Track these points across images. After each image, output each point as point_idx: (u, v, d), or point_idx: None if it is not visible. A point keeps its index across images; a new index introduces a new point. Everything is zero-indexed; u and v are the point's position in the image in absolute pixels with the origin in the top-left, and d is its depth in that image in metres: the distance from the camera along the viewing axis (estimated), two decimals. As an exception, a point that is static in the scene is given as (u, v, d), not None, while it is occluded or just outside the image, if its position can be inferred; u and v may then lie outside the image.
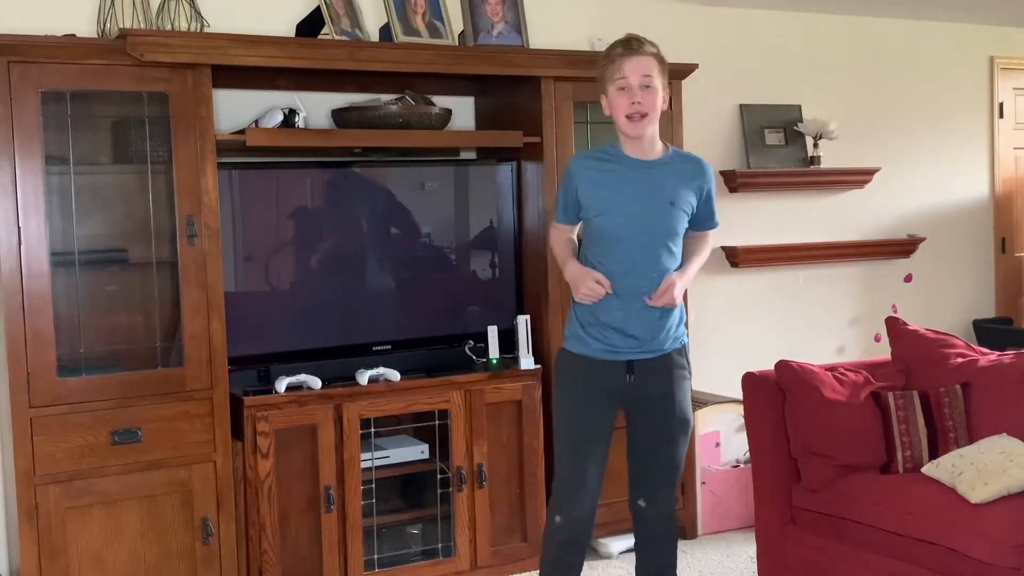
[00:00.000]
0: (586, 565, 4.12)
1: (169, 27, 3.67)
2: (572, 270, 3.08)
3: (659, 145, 3.07)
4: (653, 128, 3.01)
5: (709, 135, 4.98)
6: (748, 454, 3.82)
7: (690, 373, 3.17)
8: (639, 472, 3.16)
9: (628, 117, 2.96)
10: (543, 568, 3.23)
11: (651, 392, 3.07)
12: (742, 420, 3.89)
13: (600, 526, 4.20)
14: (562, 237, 3.18)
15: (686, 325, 3.20)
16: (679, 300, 3.04)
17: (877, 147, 5.51)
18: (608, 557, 4.20)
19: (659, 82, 2.98)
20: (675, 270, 3.04)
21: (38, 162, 3.32)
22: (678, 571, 3.28)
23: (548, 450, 4.12)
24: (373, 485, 3.77)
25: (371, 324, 3.97)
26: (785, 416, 3.54)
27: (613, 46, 3.03)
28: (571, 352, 3.10)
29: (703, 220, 3.13)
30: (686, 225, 3.07)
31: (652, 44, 3.01)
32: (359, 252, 4.07)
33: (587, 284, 2.98)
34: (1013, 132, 6.04)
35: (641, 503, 3.17)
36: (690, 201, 3.05)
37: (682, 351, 3.14)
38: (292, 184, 3.95)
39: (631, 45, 2.98)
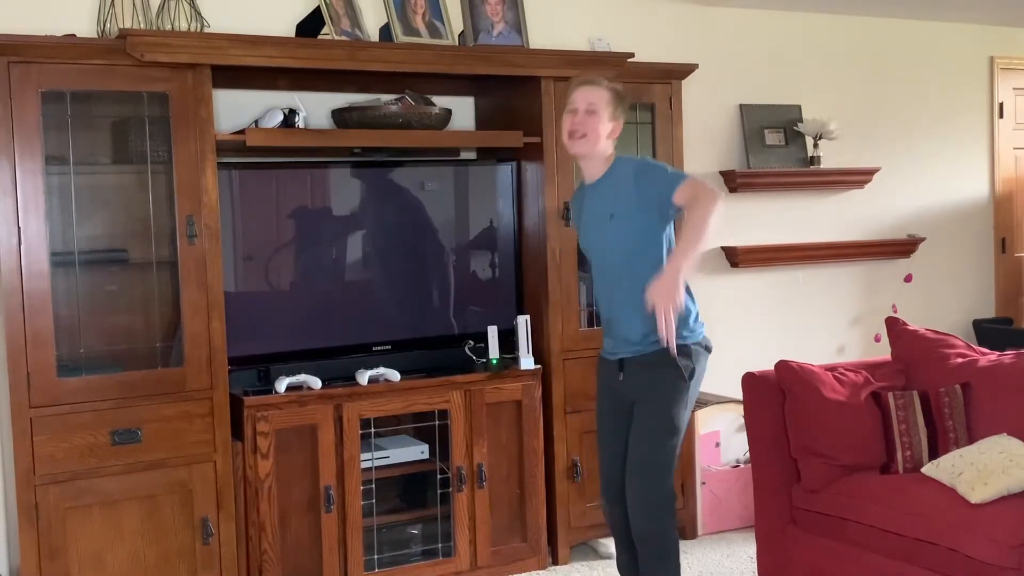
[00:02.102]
0: (586, 565, 4.14)
1: (169, 27, 3.68)
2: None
3: (607, 165, 3.19)
4: (594, 150, 3.14)
5: (709, 135, 4.98)
6: (748, 454, 3.82)
7: (688, 374, 3.12)
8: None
9: (568, 135, 3.14)
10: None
11: (633, 392, 3.17)
12: (742, 420, 3.89)
13: (600, 526, 4.22)
14: None
15: (695, 322, 3.19)
16: (674, 298, 2.88)
17: (877, 147, 5.51)
18: (608, 557, 4.19)
19: (606, 112, 3.12)
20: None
21: (38, 162, 3.32)
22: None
23: (548, 450, 4.12)
24: (373, 485, 3.77)
25: (371, 324, 3.97)
26: (785, 416, 3.54)
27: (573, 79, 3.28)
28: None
29: (666, 199, 3.04)
30: (651, 231, 3.11)
31: (613, 82, 3.20)
32: (359, 252, 4.07)
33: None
34: (1013, 132, 6.03)
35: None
36: (631, 205, 3.09)
37: (682, 350, 3.07)
38: (292, 184, 3.94)
39: (588, 79, 3.20)
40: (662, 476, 3.12)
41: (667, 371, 3.09)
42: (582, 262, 4.26)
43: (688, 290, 3.11)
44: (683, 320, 3.11)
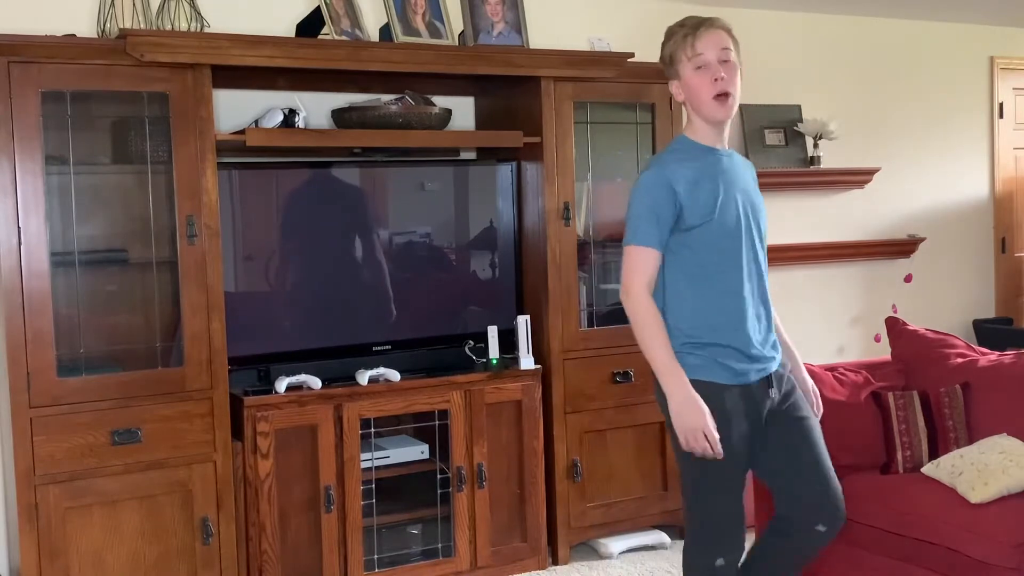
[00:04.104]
0: (586, 565, 4.14)
1: (169, 27, 3.67)
2: (685, 394, 2.56)
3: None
4: (735, 112, 2.72)
5: (709, 135, 4.98)
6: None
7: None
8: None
9: (715, 95, 2.64)
10: None
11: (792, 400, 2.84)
12: (742, 420, 3.89)
13: (600, 526, 4.22)
14: (653, 307, 2.61)
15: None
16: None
17: (877, 147, 5.51)
18: (608, 557, 4.20)
19: (737, 59, 2.70)
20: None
21: (38, 162, 3.32)
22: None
23: (548, 450, 4.12)
24: (373, 485, 3.77)
25: (371, 324, 3.98)
26: (785, 416, 3.53)
27: (678, 25, 2.71)
28: None
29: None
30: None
31: (721, 19, 2.75)
32: (359, 252, 4.07)
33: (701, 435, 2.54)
34: (1013, 132, 6.04)
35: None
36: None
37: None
38: (292, 184, 3.94)
39: (703, 18, 2.70)
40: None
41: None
42: (582, 262, 4.27)
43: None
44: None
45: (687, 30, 2.65)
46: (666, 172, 2.62)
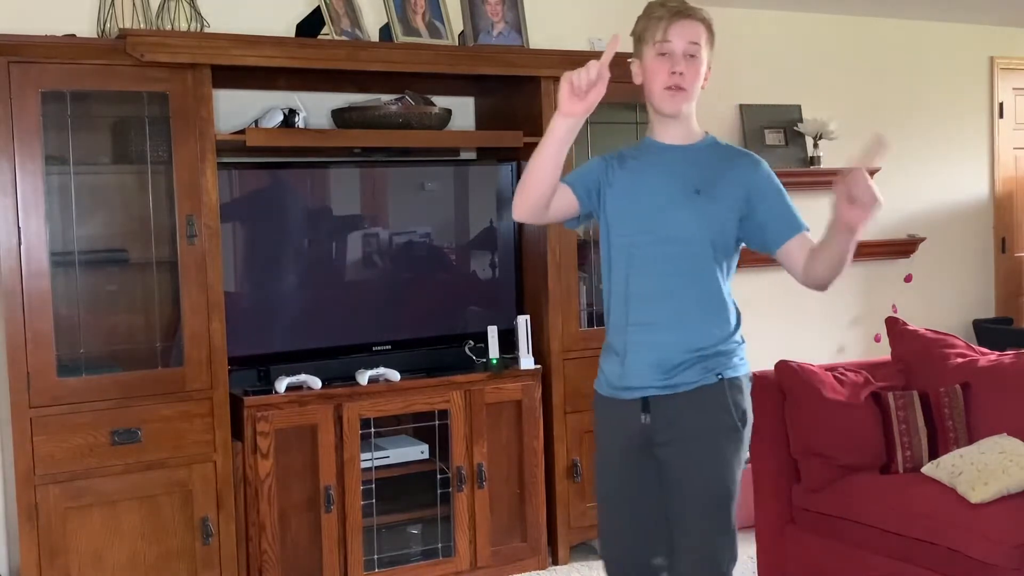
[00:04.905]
0: (586, 565, 4.14)
1: (169, 27, 3.67)
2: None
3: (698, 131, 2.58)
4: (690, 107, 2.51)
5: (709, 135, 4.97)
6: (748, 454, 3.82)
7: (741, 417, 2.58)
8: None
9: (666, 87, 2.46)
10: None
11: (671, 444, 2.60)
12: (742, 420, 3.89)
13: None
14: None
15: None
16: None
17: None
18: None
19: (706, 54, 2.49)
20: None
21: (38, 162, 3.32)
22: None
23: (548, 450, 4.12)
24: (373, 485, 3.77)
25: (371, 324, 3.97)
26: (785, 416, 3.54)
27: (659, 4, 2.50)
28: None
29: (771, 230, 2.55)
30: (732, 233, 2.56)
31: (703, 9, 2.53)
32: (359, 252, 4.06)
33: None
34: (1013, 132, 6.04)
35: None
36: (729, 190, 2.51)
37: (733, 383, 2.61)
38: (292, 184, 3.94)
39: (680, 5, 2.49)
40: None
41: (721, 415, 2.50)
42: (582, 262, 4.27)
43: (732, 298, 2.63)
44: (726, 338, 2.55)
45: (664, 13, 2.47)
46: (609, 156, 2.57)
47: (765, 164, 2.58)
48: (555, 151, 2.39)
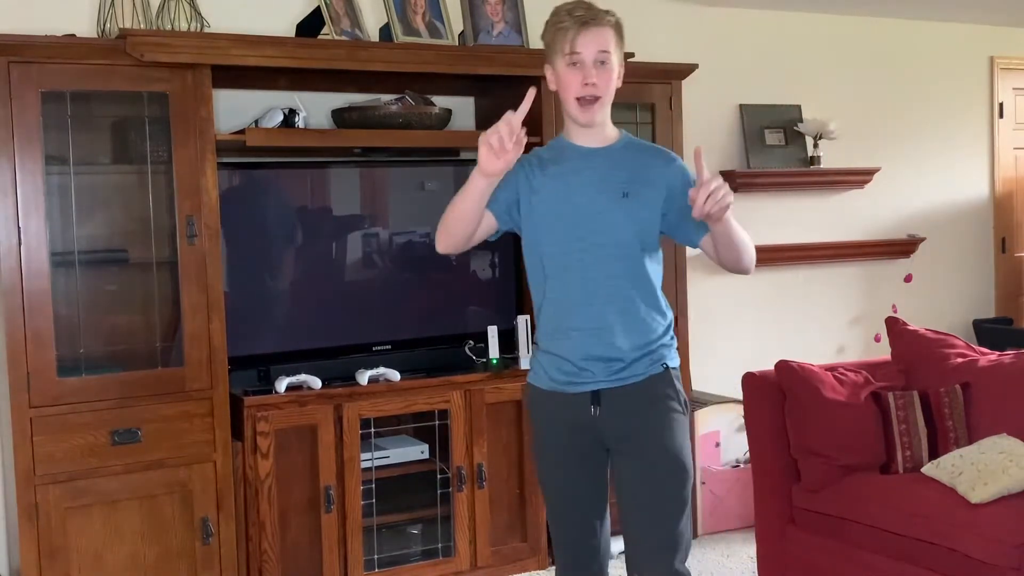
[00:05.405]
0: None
1: (169, 27, 3.67)
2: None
3: (612, 132, 2.59)
4: (605, 113, 2.54)
5: (709, 135, 4.97)
6: (748, 454, 3.82)
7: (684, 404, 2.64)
8: None
9: (580, 100, 2.49)
10: None
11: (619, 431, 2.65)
12: (742, 420, 3.89)
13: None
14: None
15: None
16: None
17: (877, 147, 5.51)
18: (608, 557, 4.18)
19: (616, 58, 2.49)
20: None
21: (38, 162, 3.32)
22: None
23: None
24: (373, 485, 3.77)
25: (371, 324, 3.97)
26: (785, 416, 3.54)
27: (566, 12, 2.51)
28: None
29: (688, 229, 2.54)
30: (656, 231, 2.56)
31: (610, 12, 2.52)
32: (359, 252, 4.06)
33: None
34: (1013, 132, 6.04)
35: None
36: (655, 192, 2.53)
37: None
38: (292, 184, 3.94)
39: (587, 14, 2.48)
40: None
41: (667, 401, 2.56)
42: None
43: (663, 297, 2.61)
44: (666, 331, 2.59)
45: (571, 23, 2.46)
46: (525, 160, 2.54)
47: (679, 160, 2.62)
48: (476, 204, 2.50)
